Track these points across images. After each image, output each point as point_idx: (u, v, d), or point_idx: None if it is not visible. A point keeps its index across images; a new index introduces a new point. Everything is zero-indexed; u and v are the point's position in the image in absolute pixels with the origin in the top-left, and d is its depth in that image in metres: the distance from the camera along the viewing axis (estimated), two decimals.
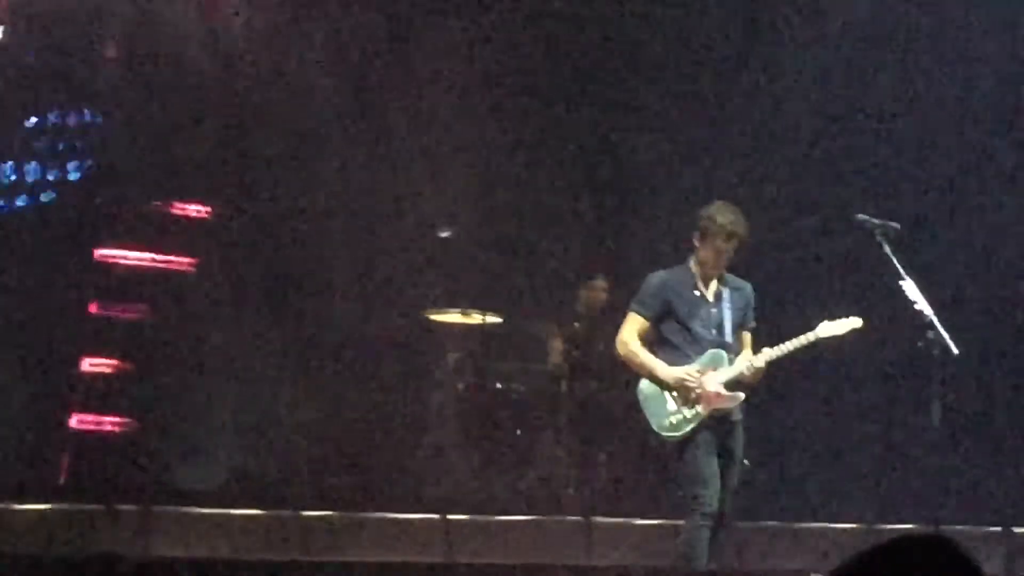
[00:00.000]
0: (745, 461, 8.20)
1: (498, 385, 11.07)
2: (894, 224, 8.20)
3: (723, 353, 8.06)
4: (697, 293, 8.11)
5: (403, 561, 9.10)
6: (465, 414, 10.97)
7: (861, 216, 8.29)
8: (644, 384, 8.08)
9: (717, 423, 7.98)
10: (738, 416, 8.10)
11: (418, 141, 11.66)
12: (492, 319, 11.16)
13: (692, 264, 8.16)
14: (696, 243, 8.11)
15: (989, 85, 12.25)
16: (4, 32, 11.17)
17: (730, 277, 8.21)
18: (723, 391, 7.98)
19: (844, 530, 10.13)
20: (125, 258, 11.12)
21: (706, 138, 12.19)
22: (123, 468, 10.58)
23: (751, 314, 8.26)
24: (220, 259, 11.43)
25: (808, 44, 12.31)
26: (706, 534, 7.87)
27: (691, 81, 12.27)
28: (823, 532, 10.12)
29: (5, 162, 11.54)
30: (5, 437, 10.62)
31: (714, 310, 8.10)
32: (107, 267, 11.06)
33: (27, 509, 8.97)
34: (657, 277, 8.20)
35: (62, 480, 10.52)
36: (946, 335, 7.81)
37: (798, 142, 12.24)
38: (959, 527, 9.59)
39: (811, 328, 8.08)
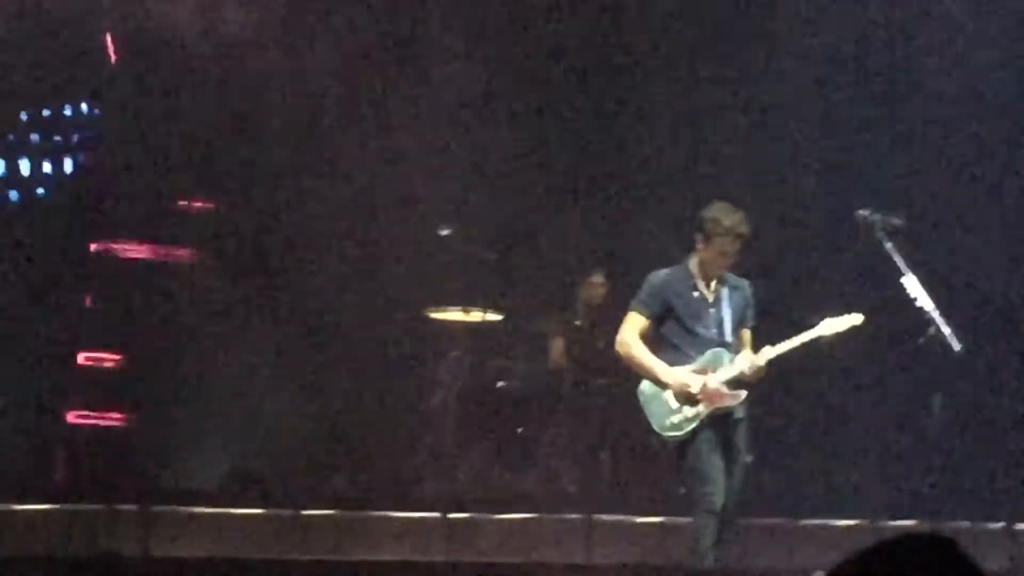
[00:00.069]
0: (748, 457, 8.18)
1: (499, 383, 11.05)
2: (897, 219, 8.17)
3: (724, 352, 8.04)
4: (697, 293, 8.09)
5: (404, 560, 9.10)
6: (466, 412, 10.95)
7: (862, 212, 8.26)
8: (645, 385, 8.05)
9: (720, 420, 7.97)
10: (741, 414, 8.08)
11: (418, 138, 11.63)
12: (492, 317, 11.14)
13: (692, 264, 8.14)
14: (699, 244, 8.08)
15: (998, 75, 12.21)
16: None
17: (729, 276, 8.18)
18: (725, 390, 7.96)
19: (846, 527, 10.11)
20: (123, 251, 11.07)
21: (705, 132, 12.16)
22: (122, 466, 10.55)
23: (751, 312, 8.24)
24: (219, 255, 11.40)
25: (810, 39, 12.29)
26: (712, 532, 7.85)
27: (690, 76, 12.25)
28: (825, 529, 10.10)
29: None
30: (2, 435, 10.56)
31: (714, 310, 8.08)
32: (104, 261, 11.00)
33: (27, 509, 8.96)
34: (657, 277, 8.18)
35: (59, 477, 10.48)
36: (948, 331, 7.79)
37: (799, 136, 12.22)
38: (962, 523, 9.58)
39: (813, 325, 8.05)
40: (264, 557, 8.81)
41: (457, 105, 11.67)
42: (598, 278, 11.29)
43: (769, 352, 8.00)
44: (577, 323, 11.26)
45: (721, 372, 7.99)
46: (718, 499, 7.85)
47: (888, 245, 8.07)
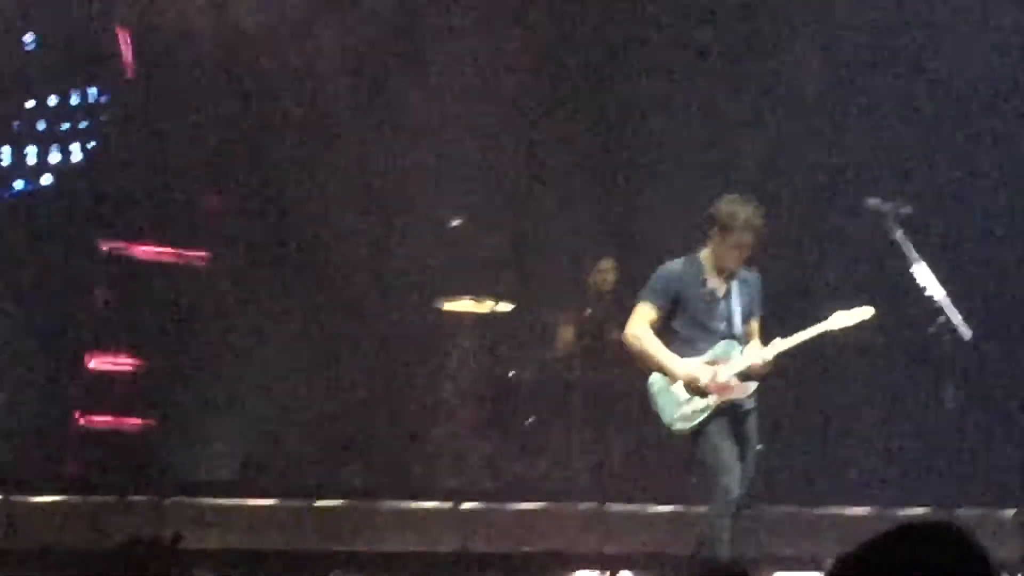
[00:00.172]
0: (759, 446, 8.19)
1: (510, 372, 11.07)
2: (906, 209, 8.16)
3: (734, 344, 8.04)
4: (707, 287, 8.07)
5: (417, 550, 9.13)
6: (478, 402, 10.97)
7: (872, 200, 8.25)
8: (655, 377, 8.06)
9: (729, 412, 7.97)
10: (750, 405, 8.08)
11: (429, 129, 11.64)
12: (504, 306, 11.15)
13: (703, 255, 8.12)
14: (713, 237, 8.05)
15: (1010, 62, 12.20)
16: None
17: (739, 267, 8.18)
18: (735, 382, 7.97)
19: (858, 515, 10.11)
20: (136, 248, 11.07)
21: (716, 121, 12.16)
22: (137, 459, 10.57)
23: (759, 303, 8.23)
24: (232, 247, 11.42)
25: (823, 26, 12.29)
26: (728, 521, 7.85)
27: (699, 63, 12.24)
28: (836, 518, 10.11)
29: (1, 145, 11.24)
30: (15, 429, 10.59)
31: (724, 303, 8.07)
32: (116, 257, 10.99)
33: (41, 502, 8.99)
34: (667, 269, 8.16)
35: (73, 471, 10.50)
36: (958, 319, 7.79)
37: (808, 125, 12.21)
38: (975, 510, 9.59)
39: (823, 318, 8.05)
40: (278, 548, 8.85)
41: (468, 96, 11.67)
42: (607, 263, 11.28)
43: (779, 345, 8.00)
44: (588, 311, 11.26)
45: (731, 364, 7.99)
46: (735, 487, 7.85)
47: (898, 234, 8.06)
